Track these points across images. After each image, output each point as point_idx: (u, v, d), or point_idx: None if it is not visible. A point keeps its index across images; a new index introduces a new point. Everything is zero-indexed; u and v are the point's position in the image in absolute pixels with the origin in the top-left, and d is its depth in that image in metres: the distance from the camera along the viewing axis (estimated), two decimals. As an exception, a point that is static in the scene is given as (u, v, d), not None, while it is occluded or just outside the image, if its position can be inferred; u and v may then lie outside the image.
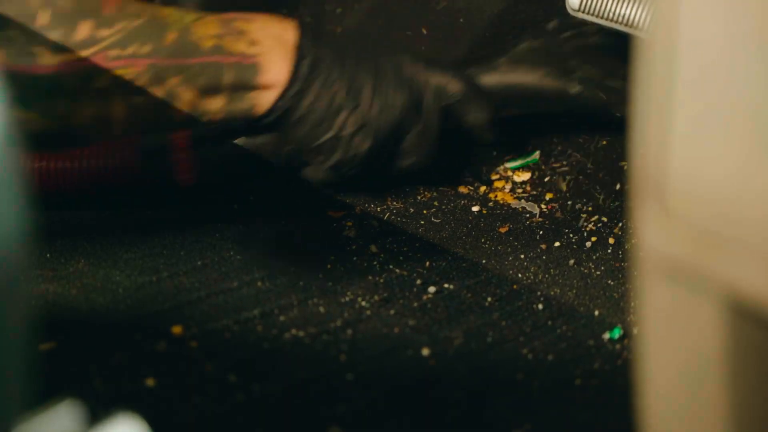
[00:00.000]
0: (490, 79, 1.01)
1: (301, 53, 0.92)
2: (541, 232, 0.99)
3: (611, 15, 0.97)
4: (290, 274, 0.92)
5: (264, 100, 0.92)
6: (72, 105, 0.87)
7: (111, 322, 0.84)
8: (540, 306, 0.89)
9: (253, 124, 0.94)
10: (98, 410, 0.70)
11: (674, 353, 0.50)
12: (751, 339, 0.47)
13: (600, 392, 0.79)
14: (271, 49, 0.91)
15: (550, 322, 0.87)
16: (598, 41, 1.02)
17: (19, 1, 0.84)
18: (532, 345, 0.84)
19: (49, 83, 0.85)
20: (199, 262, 0.93)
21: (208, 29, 0.89)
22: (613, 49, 1.01)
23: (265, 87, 0.91)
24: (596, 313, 0.89)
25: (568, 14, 0.99)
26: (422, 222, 1.01)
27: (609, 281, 0.93)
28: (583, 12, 0.98)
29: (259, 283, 0.90)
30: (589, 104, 1.02)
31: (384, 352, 0.83)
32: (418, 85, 0.96)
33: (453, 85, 0.98)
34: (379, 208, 1.03)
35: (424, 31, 1.12)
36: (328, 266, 0.94)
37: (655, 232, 0.47)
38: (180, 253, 0.94)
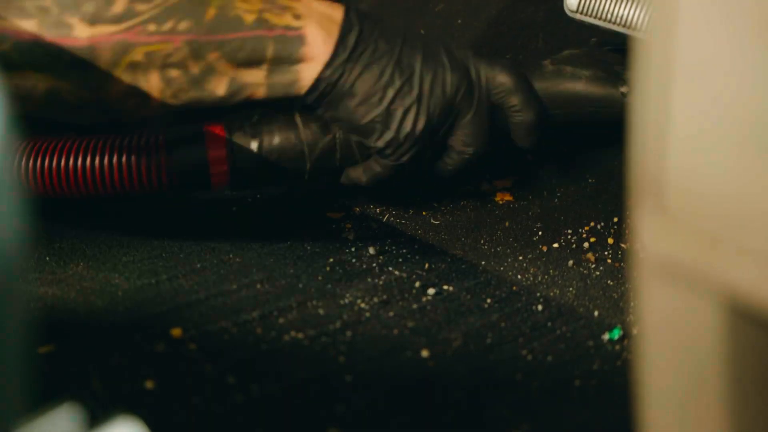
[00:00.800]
0: (537, 83, 0.97)
1: (346, 25, 0.90)
2: (540, 234, 0.99)
3: (609, 16, 0.97)
4: (289, 276, 0.92)
5: (308, 74, 0.90)
6: (105, 78, 0.86)
7: (110, 324, 0.84)
8: (539, 307, 0.89)
9: (297, 100, 0.91)
10: (98, 412, 0.70)
11: (674, 353, 0.50)
12: (749, 339, 0.47)
13: (599, 393, 0.79)
14: (316, 23, 0.89)
15: (549, 323, 0.87)
16: None
17: None
18: (532, 346, 0.84)
19: (83, 55, 0.85)
20: (198, 265, 0.93)
21: (250, 4, 0.88)
22: None
23: (309, 60, 0.89)
24: (596, 313, 0.89)
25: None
26: (421, 223, 1.01)
27: (608, 281, 0.93)
28: (581, 13, 0.98)
29: (258, 285, 0.90)
30: None
31: (383, 354, 0.83)
32: (469, 68, 0.93)
33: (503, 78, 0.94)
34: (378, 210, 1.03)
35: (422, 32, 1.12)
36: (327, 268, 0.94)
37: (654, 232, 0.47)
38: (179, 256, 0.94)
